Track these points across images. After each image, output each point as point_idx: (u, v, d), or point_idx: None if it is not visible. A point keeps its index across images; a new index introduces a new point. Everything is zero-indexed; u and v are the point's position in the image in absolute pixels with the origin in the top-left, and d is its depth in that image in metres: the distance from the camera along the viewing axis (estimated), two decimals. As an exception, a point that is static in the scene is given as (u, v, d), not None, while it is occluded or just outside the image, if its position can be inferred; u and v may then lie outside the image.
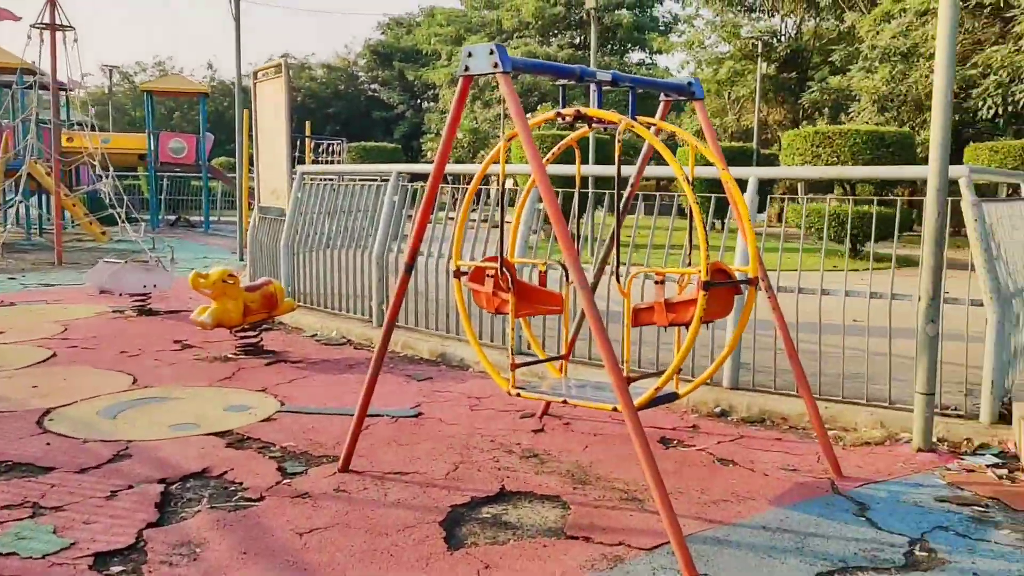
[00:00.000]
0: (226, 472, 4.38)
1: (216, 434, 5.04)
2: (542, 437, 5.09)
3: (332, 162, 23.13)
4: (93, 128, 17.00)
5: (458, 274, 4.55)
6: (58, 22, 14.45)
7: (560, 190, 6.91)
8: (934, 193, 4.54)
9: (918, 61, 20.12)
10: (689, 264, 4.55)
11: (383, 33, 61.99)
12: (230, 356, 7.28)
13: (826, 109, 27.73)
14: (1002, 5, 18.77)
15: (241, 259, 15.65)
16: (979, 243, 4.92)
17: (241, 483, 4.23)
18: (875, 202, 6.31)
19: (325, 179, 9.57)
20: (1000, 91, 18.18)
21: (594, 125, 4.23)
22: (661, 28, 44.94)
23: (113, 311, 9.70)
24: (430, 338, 7.59)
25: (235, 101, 15.33)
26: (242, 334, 7.37)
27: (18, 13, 19.12)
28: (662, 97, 4.77)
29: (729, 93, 33.43)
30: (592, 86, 4.17)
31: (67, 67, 14.84)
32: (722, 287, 3.99)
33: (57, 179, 14.97)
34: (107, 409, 5.56)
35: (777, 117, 30.99)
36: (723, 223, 6.76)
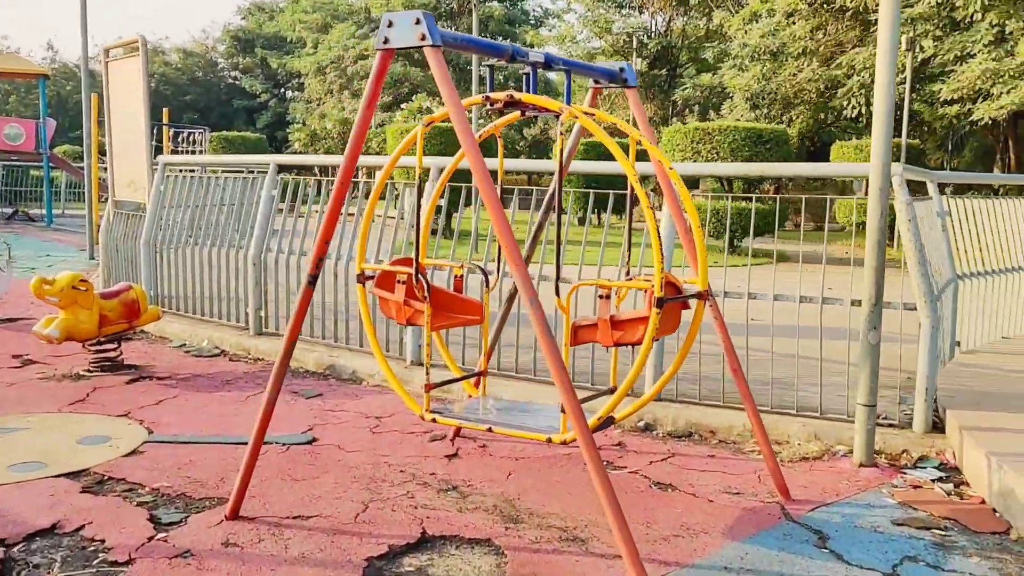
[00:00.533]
0: (83, 527, 3.60)
1: (69, 475, 4.22)
2: (458, 464, 4.53)
3: (192, 152, 21.63)
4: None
5: (362, 279, 3.93)
6: None
7: (461, 185, 6.36)
8: (877, 191, 4.27)
9: (786, 60, 20.67)
10: (628, 273, 4.08)
11: (244, 18, 59.28)
12: (83, 374, 6.34)
13: (696, 106, 28.28)
14: (862, 9, 19.48)
15: (92, 258, 14.25)
16: (912, 244, 4.70)
17: (103, 541, 3.47)
18: (754, 199, 6.05)
19: (191, 171, 8.64)
20: (863, 91, 18.88)
21: (528, 113, 3.70)
22: (532, 22, 44.87)
23: (-60, 320, 8.45)
24: (316, 348, 6.88)
25: (81, 84, 13.91)
26: (97, 348, 6.44)
27: None
28: (591, 84, 4.30)
29: (601, 89, 33.63)
30: (526, 69, 3.64)
31: None
32: (673, 302, 3.55)
33: None
34: (-71, 447, 4.61)
35: (648, 113, 31.36)
36: (623, 222, 6.37)
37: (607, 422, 3.75)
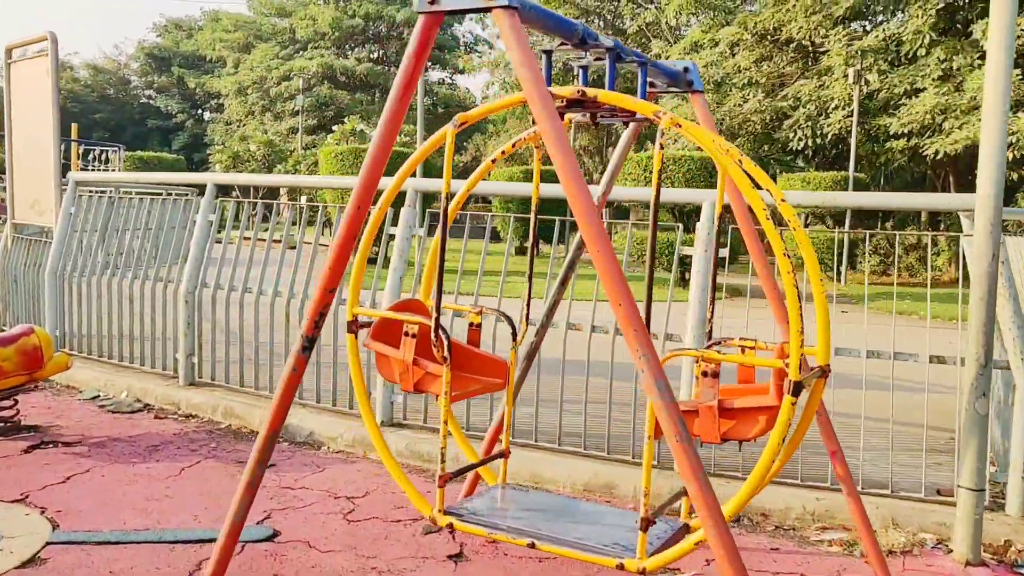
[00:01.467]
0: None
1: (-60, 603, 3.07)
2: (468, 570, 3.53)
3: (104, 171, 19.99)
4: None
5: (355, 327, 2.92)
6: None
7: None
8: (986, 230, 3.49)
9: (730, 91, 20.37)
10: (710, 336, 3.13)
11: (160, 35, 56.97)
12: (-31, 438, 5.10)
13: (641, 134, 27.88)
14: (806, 41, 19.34)
15: None
16: (1007, 291, 3.95)
17: None
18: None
19: (106, 191, 7.44)
20: (810, 123, 18.66)
21: (601, 118, 2.77)
22: (462, 48, 44.20)
23: None
24: (264, 403, 5.77)
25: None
26: (-11, 406, 5.20)
27: None
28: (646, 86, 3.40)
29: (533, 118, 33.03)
30: (584, 60, 2.73)
31: None
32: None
33: None
34: None
35: (583, 142, 30.88)
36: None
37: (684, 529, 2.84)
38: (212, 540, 3.67)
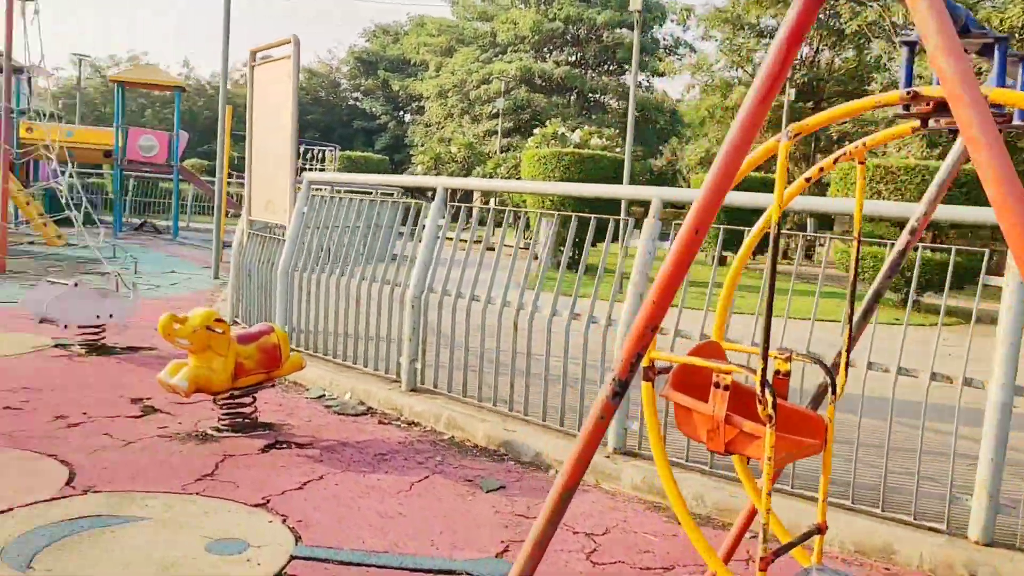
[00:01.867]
0: None
1: (196, 615, 3.00)
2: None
3: (321, 171, 21.04)
4: (55, 118, 14.83)
5: (652, 373, 2.55)
6: (15, -10, 12.31)
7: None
8: None
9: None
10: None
11: (368, 40, 59.90)
12: (211, 433, 5.22)
13: (845, 141, 26.23)
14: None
15: (216, 277, 13.51)
16: None
17: None
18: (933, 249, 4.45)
19: (339, 191, 7.57)
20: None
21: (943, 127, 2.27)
22: (662, 50, 43.38)
23: (55, 345, 7.57)
24: (487, 416, 5.59)
25: (220, 90, 13.24)
26: (229, 403, 5.30)
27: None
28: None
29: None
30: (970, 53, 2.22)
31: (26, 45, 12.67)
32: None
33: (6, 172, 12.75)
34: (18, 544, 3.48)
35: (788, 150, 29.26)
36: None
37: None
38: (452, 572, 3.47)
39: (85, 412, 5.52)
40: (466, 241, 6.49)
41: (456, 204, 6.99)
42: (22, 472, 4.34)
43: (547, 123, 22.88)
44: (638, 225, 5.47)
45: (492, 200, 20.40)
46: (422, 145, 42.96)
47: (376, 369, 6.59)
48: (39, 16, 12.76)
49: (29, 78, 21.12)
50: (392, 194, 11.83)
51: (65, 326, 7.27)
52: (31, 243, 17.13)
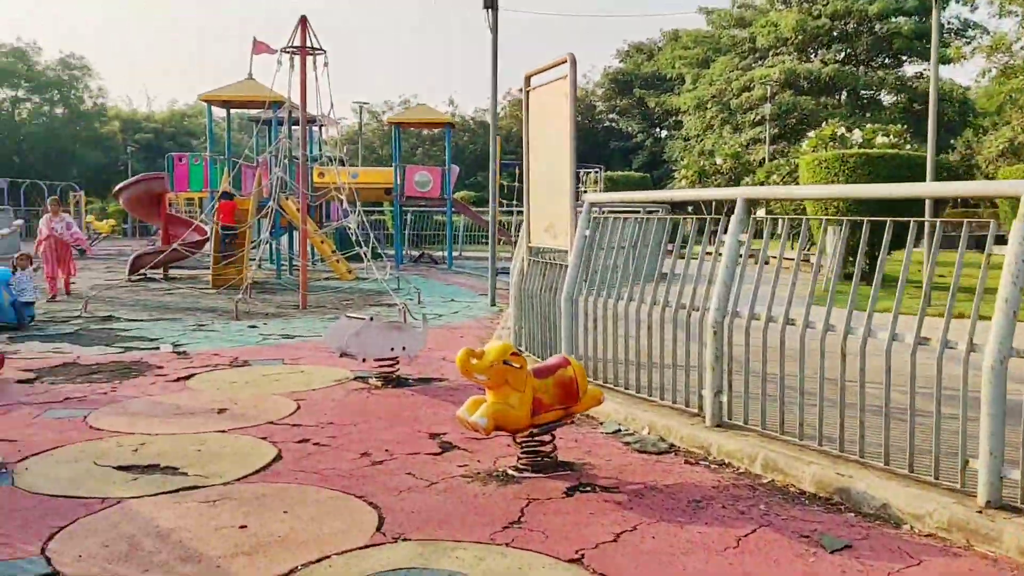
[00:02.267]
0: None
1: None
2: None
3: (586, 192, 21.01)
4: (342, 163, 15.92)
5: None
6: (309, 45, 13.31)
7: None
8: None
9: None
10: None
11: (622, 61, 60.04)
12: (512, 473, 4.96)
13: None
14: None
15: (493, 304, 13.70)
16: None
17: None
18: None
19: (622, 211, 7.18)
20: None
21: None
22: (948, 34, 39.33)
23: (355, 378, 7.81)
24: (812, 457, 4.86)
25: (490, 120, 13.48)
26: (528, 441, 5.02)
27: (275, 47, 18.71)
28: None
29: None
30: None
31: (317, 95, 13.67)
32: None
33: (304, 214, 13.78)
34: (338, 600, 3.33)
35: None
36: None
37: None
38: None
39: (387, 449, 5.49)
40: (742, 256, 5.86)
41: (717, 216, 6.35)
42: (334, 514, 4.29)
43: (823, 125, 21.30)
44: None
45: (759, 211, 19.25)
46: (681, 160, 42.08)
47: (675, 402, 6.06)
48: (328, 68, 13.72)
49: (320, 126, 23.09)
50: (655, 211, 11.40)
51: (363, 360, 7.47)
52: (327, 279, 18.52)
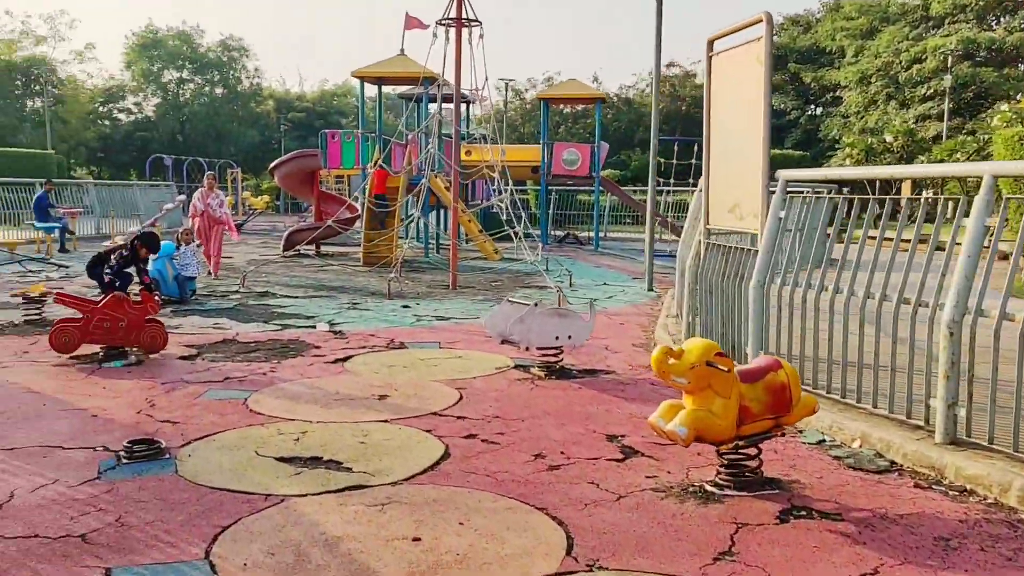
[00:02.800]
0: None
1: None
2: None
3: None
4: (494, 140, 15.52)
5: None
6: (464, 17, 12.90)
7: None
8: None
9: None
10: None
11: (777, 34, 57.15)
12: (710, 489, 4.32)
13: None
14: None
15: (650, 289, 12.97)
16: None
17: None
18: None
19: (821, 189, 6.34)
20: None
21: None
22: None
23: (516, 366, 7.33)
24: (1088, 492, 3.97)
25: (652, 93, 12.69)
26: (732, 454, 4.36)
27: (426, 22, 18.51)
28: None
29: None
30: None
31: (472, 69, 13.25)
32: None
33: (456, 194, 13.46)
34: (536, 647, 2.81)
35: None
36: None
37: None
38: None
39: (563, 452, 4.96)
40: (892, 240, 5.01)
41: (871, 197, 5.41)
42: (515, 529, 3.79)
43: (1013, 98, 19.23)
44: None
45: (927, 191, 17.62)
46: (841, 138, 39.61)
47: (891, 411, 5.24)
48: (483, 40, 13.28)
49: (468, 103, 22.85)
50: (820, 192, 10.32)
51: (526, 348, 6.97)
52: (474, 259, 18.26)
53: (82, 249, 18.98)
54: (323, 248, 19.34)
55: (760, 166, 6.47)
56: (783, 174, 6.40)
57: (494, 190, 26.98)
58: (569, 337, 6.98)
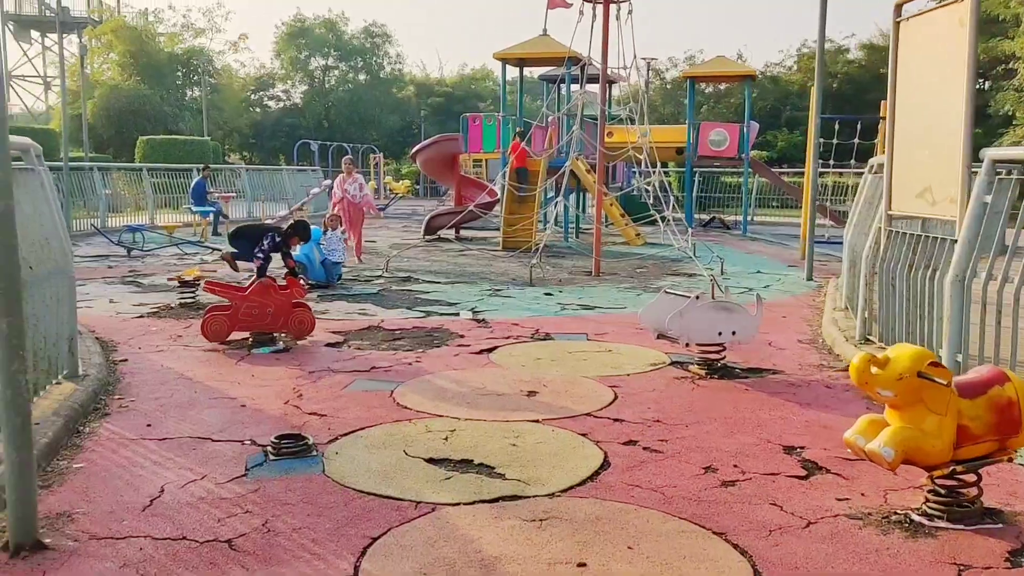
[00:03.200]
0: None
1: None
2: None
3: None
4: (639, 121, 14.93)
5: None
6: (611, -8, 12.36)
7: None
8: None
9: None
10: None
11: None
12: (916, 518, 3.72)
13: None
14: None
15: (809, 278, 12.10)
16: None
17: None
18: None
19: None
20: None
21: None
22: None
23: (672, 362, 6.84)
24: None
25: (816, 67, 11.75)
26: (947, 481, 3.74)
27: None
28: None
29: None
30: None
31: (620, 46, 12.73)
32: None
33: (601, 177, 12.99)
34: None
35: None
36: None
37: None
38: None
39: (736, 464, 4.45)
40: None
41: None
42: (692, 558, 3.34)
43: None
44: None
45: None
46: (1011, 113, 36.42)
47: None
48: (632, 16, 12.71)
49: (609, 83, 22.22)
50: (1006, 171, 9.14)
51: (686, 344, 6.46)
52: (615, 244, 17.72)
53: (235, 232, 19.68)
54: (462, 232, 19.27)
55: (960, 146, 5.69)
56: (989, 153, 5.59)
57: (634, 172, 26.33)
58: (733, 333, 6.41)
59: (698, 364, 6.57)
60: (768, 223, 25.18)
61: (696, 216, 24.31)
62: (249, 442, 4.74)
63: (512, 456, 4.54)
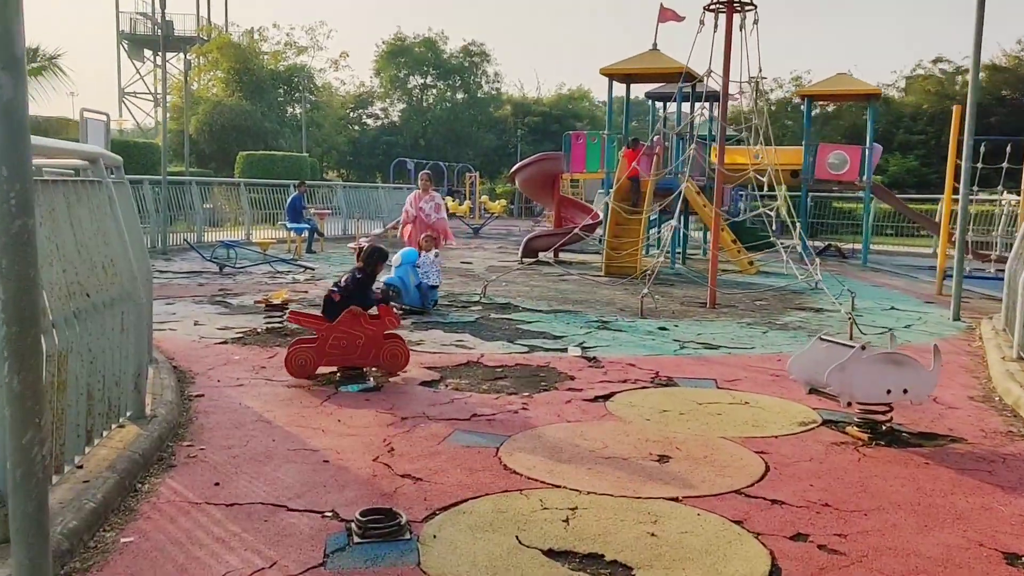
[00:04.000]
0: None
1: None
2: None
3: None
4: (766, 141, 13.81)
5: None
6: (736, 0, 11.33)
7: None
8: None
9: None
10: None
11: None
12: None
13: None
14: None
15: (956, 318, 10.73)
16: None
17: None
18: None
19: None
20: None
21: None
22: None
23: (824, 421, 5.77)
24: None
25: (970, 81, 10.44)
26: None
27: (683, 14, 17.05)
28: None
29: None
30: None
31: (744, 60, 11.68)
32: None
33: (719, 200, 11.93)
34: None
35: None
36: None
37: None
38: None
39: (949, 581, 3.40)
40: None
41: None
42: None
43: None
44: None
45: None
46: None
47: None
48: (757, 27, 11.66)
49: (711, 101, 21.05)
50: None
51: (848, 404, 5.39)
52: (726, 271, 16.54)
53: (328, 250, 19.29)
54: (561, 255, 18.39)
55: None
56: None
57: (741, 195, 24.99)
58: (905, 391, 5.31)
59: (858, 426, 5.48)
60: (886, 252, 23.48)
61: (809, 243, 22.82)
62: (331, 514, 3.94)
63: (653, 552, 3.59)
